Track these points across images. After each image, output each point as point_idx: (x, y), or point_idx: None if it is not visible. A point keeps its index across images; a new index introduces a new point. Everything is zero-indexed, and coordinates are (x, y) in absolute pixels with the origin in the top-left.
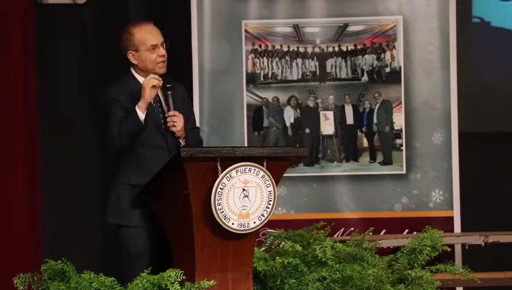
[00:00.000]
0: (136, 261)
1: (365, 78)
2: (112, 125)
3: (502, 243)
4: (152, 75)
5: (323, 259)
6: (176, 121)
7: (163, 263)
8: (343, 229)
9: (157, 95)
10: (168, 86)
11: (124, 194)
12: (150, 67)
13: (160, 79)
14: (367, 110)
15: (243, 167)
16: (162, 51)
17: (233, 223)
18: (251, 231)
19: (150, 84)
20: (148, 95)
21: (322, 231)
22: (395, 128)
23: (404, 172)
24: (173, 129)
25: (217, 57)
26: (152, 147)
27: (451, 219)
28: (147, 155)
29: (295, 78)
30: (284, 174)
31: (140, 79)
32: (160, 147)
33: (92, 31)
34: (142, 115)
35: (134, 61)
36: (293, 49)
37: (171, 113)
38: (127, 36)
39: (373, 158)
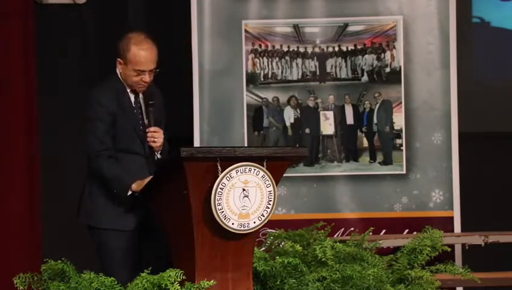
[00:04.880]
0: (114, 261)
1: (365, 78)
2: (92, 139)
3: (502, 243)
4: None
5: (323, 259)
6: (157, 137)
7: (140, 264)
8: (343, 229)
9: (138, 102)
10: (150, 102)
11: (98, 195)
12: (130, 84)
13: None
14: (367, 110)
15: (243, 167)
16: (147, 77)
17: (233, 223)
18: (251, 231)
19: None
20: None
21: (322, 231)
22: (395, 128)
23: (404, 172)
24: (152, 144)
25: (217, 57)
26: (130, 153)
27: (451, 219)
28: (124, 159)
29: (295, 78)
30: (284, 174)
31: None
32: (137, 153)
33: (92, 31)
34: (129, 192)
35: (119, 70)
36: (293, 49)
37: (152, 129)
38: (124, 46)
39: (373, 158)
